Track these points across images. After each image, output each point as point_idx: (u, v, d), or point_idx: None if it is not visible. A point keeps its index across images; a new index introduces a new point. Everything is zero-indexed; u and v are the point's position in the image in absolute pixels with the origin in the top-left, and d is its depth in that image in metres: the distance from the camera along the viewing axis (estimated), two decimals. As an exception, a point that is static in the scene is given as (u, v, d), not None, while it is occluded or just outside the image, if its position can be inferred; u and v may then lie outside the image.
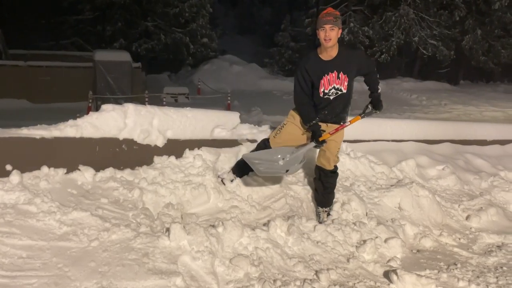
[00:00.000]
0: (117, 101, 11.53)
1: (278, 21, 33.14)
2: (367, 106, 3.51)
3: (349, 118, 3.55)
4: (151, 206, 3.22)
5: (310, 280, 2.79)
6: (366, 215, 3.75)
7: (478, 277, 3.14)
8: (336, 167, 3.61)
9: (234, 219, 3.03)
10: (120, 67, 13.70)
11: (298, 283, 2.72)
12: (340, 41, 3.28)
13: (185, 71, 24.09)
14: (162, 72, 22.46)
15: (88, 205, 2.95)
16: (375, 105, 3.47)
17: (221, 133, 3.93)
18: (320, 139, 3.33)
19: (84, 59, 15.82)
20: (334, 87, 3.31)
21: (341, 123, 3.46)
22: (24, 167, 2.99)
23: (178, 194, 3.37)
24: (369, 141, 5.11)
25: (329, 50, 3.22)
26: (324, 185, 3.60)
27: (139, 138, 3.54)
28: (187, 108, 3.87)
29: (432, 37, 22.72)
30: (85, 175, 3.21)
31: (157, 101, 12.86)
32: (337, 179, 3.73)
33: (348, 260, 3.14)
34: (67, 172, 3.17)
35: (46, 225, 2.67)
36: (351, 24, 22.84)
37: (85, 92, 11.71)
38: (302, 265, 2.93)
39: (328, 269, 2.94)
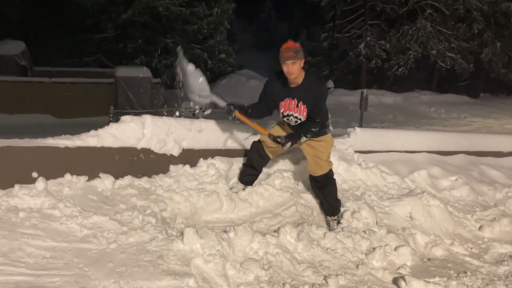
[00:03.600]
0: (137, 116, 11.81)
1: (295, 36, 33.47)
2: (279, 136, 3.51)
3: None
4: (167, 212, 3.36)
5: (319, 284, 2.87)
6: (377, 223, 3.81)
7: (487, 284, 3.17)
8: (331, 172, 3.69)
9: (245, 225, 3.15)
10: (140, 82, 14.06)
11: (306, 287, 2.80)
12: (308, 69, 3.36)
13: (203, 86, 24.48)
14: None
15: (107, 210, 3.12)
16: (287, 140, 3.45)
17: (233, 143, 4.08)
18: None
19: (106, 75, 16.26)
20: (293, 115, 3.43)
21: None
22: (49, 174, 3.17)
23: (192, 201, 3.51)
24: (381, 152, 5.18)
25: (294, 78, 3.33)
26: (323, 193, 3.70)
27: (155, 147, 3.71)
28: (201, 119, 4.03)
29: (450, 50, 22.59)
30: (105, 182, 3.39)
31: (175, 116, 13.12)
32: (341, 186, 3.83)
33: (357, 267, 3.20)
34: (89, 180, 3.34)
35: (68, 228, 2.84)
36: (368, 38, 22.92)
37: (107, 107, 12.00)
38: (311, 270, 3.01)
39: (337, 275, 3.01)
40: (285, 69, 3.25)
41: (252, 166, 3.84)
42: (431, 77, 26.07)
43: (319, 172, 3.64)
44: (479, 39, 23.61)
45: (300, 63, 3.23)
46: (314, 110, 3.40)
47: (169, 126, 3.79)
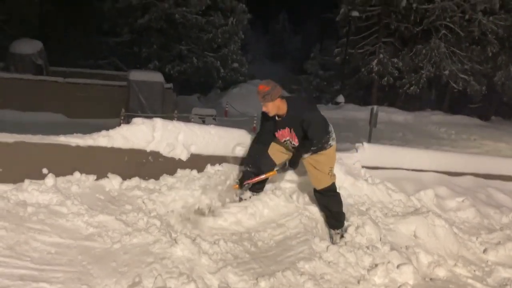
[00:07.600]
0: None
1: (308, 49, 33.66)
2: (285, 163, 3.67)
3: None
4: (172, 216, 3.39)
5: (319, 297, 2.87)
6: (380, 240, 3.78)
7: (489, 308, 3.13)
8: (333, 185, 3.68)
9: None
10: (153, 87, 14.20)
11: (307, 299, 2.80)
12: (289, 98, 3.47)
13: (214, 93, 24.65)
14: (192, 93, 23.08)
15: (113, 210, 3.16)
16: (292, 164, 3.59)
17: (242, 151, 4.10)
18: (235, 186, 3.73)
19: (119, 78, 16.42)
20: (289, 141, 3.55)
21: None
22: (59, 171, 3.23)
23: (197, 207, 3.53)
24: (388, 168, 5.17)
25: (274, 114, 3.46)
26: (327, 206, 3.70)
27: (164, 151, 3.75)
28: (211, 125, 4.08)
29: (463, 71, 22.48)
30: (113, 182, 3.43)
31: (185, 122, 13.19)
32: (346, 200, 3.82)
33: (358, 282, 3.19)
34: (97, 179, 3.40)
35: (75, 225, 2.88)
36: (381, 55, 22.95)
37: (119, 110, 12.12)
38: (312, 283, 3.00)
39: (337, 289, 3.01)
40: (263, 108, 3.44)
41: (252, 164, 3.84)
42: (442, 98, 25.96)
43: (321, 185, 3.64)
44: (493, 62, 23.49)
45: (272, 104, 3.38)
46: (307, 135, 3.43)
47: (179, 130, 3.84)
